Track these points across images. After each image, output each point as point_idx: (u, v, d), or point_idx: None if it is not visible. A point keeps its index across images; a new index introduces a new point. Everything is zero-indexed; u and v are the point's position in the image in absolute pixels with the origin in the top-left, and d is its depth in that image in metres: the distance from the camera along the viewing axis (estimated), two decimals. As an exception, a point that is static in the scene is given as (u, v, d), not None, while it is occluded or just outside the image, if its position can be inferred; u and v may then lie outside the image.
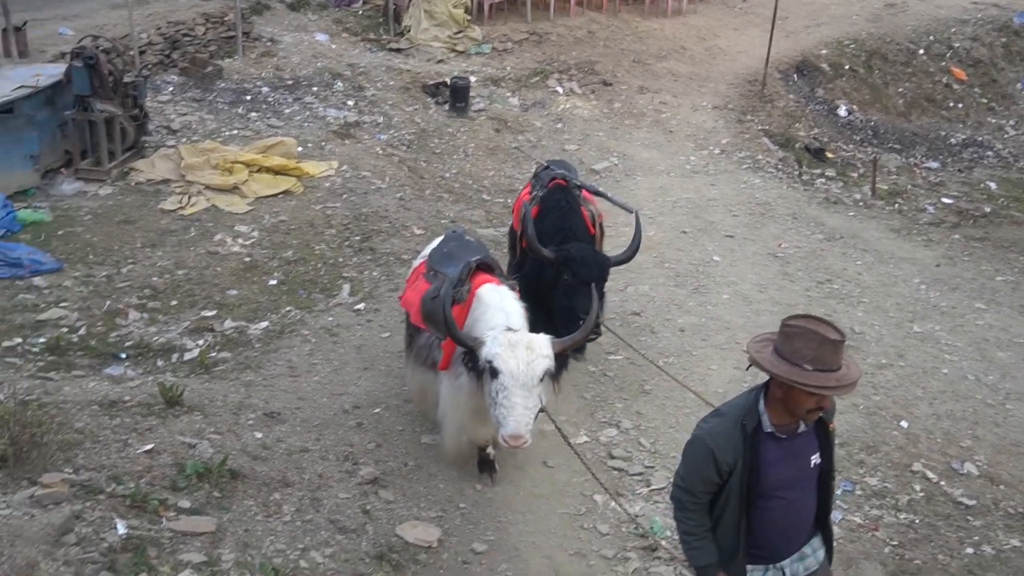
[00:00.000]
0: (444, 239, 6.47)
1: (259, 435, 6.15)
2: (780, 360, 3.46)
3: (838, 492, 6.33)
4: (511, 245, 7.92)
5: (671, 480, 6.34)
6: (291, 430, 6.34)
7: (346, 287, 8.59)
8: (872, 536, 5.95)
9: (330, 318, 8.04)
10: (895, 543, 5.89)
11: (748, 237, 10.67)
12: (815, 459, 3.75)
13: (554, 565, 5.50)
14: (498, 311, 5.27)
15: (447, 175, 11.33)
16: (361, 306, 8.25)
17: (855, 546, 5.85)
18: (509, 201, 10.53)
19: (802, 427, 3.68)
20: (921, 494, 6.42)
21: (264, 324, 7.89)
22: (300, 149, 11.04)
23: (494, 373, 4.84)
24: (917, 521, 6.14)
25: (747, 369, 3.84)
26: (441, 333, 5.40)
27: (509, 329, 5.05)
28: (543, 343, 4.97)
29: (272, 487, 5.59)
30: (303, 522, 5.34)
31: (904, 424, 7.21)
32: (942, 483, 6.55)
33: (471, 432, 5.76)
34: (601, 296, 6.42)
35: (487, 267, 5.80)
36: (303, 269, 8.84)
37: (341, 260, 9.06)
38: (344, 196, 10.25)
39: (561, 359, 5.10)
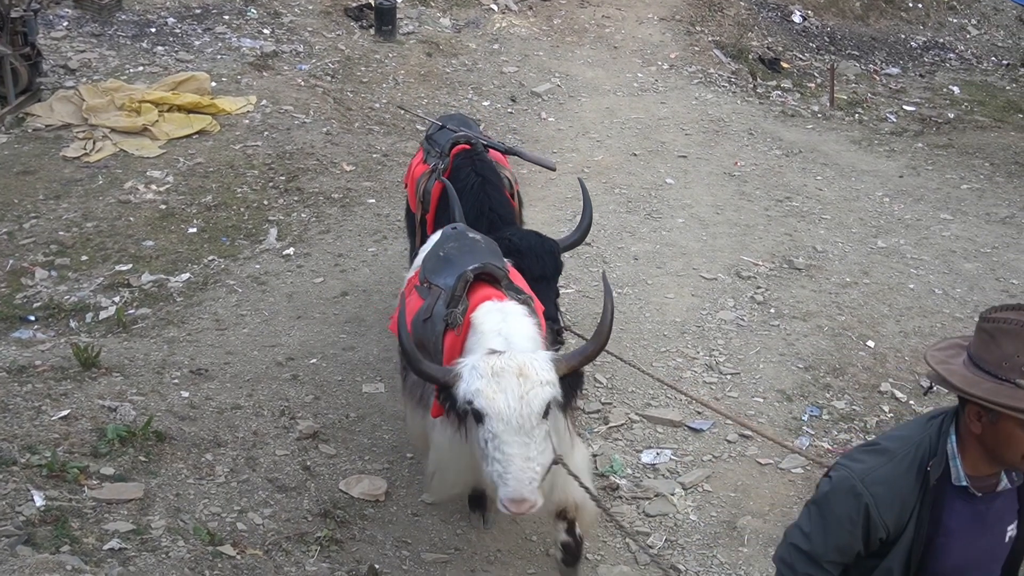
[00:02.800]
0: (441, 238, 5.13)
1: (186, 394, 6.08)
2: (981, 375, 2.54)
3: (804, 417, 6.45)
4: (410, 232, 6.82)
5: (630, 417, 6.53)
6: (220, 387, 6.28)
7: (272, 231, 8.48)
8: (841, 461, 6.07)
9: (257, 266, 7.94)
10: (864, 466, 6.02)
11: (702, 156, 10.70)
12: (1011, 530, 2.79)
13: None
14: (494, 337, 4.06)
15: (377, 105, 11.17)
16: (290, 251, 8.16)
17: (824, 471, 5.96)
18: (459, 112, 10.43)
19: (1003, 482, 2.70)
20: (891, 415, 6.56)
21: (185, 276, 7.77)
22: (214, 84, 10.79)
23: (478, 417, 3.72)
24: (887, 443, 6.27)
25: (925, 394, 3.13)
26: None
27: (491, 352, 3.85)
28: (541, 365, 3.78)
29: (203, 448, 5.54)
30: (239, 483, 5.32)
31: (871, 344, 7.34)
32: (911, 402, 6.69)
33: (469, 483, 4.74)
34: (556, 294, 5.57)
35: (490, 278, 4.52)
36: (225, 214, 8.69)
37: (266, 203, 8.93)
38: (265, 133, 10.07)
39: (572, 382, 3.96)
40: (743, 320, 7.54)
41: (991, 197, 10.31)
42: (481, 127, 10.62)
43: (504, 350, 3.88)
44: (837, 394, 6.75)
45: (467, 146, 6.25)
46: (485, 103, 11.41)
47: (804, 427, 6.38)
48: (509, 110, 11.37)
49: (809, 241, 8.91)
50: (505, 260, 4.88)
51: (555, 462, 3.89)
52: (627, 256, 8.37)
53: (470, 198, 5.83)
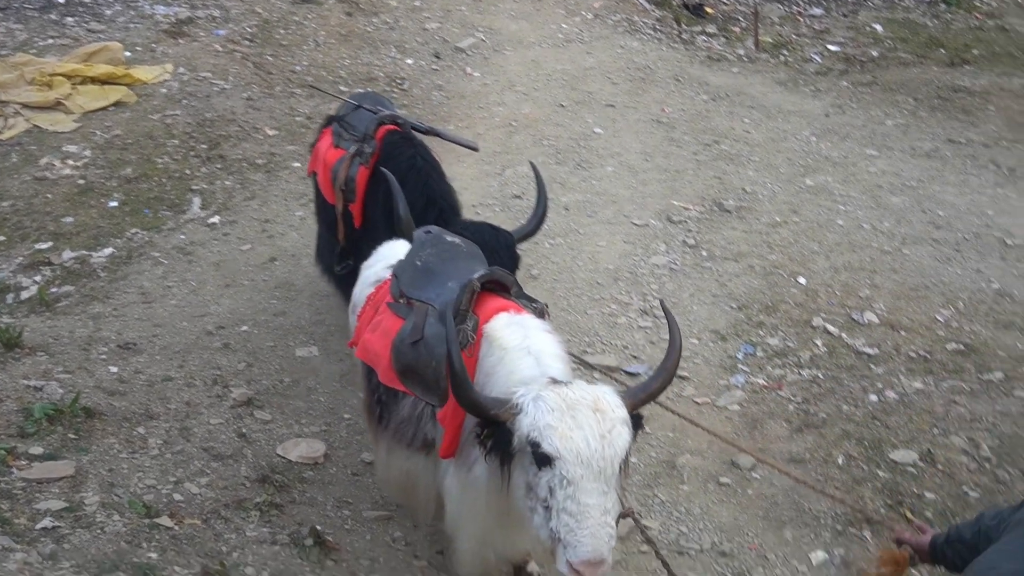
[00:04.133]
0: (417, 245, 4.46)
1: (114, 369, 6.00)
2: None
3: (739, 355, 6.56)
4: (327, 226, 6.35)
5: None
6: (150, 360, 6.20)
7: (196, 201, 8.35)
8: (776, 395, 6.20)
9: (182, 236, 7.82)
10: (799, 400, 6.15)
11: (629, 105, 10.72)
12: None
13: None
14: (522, 356, 3.55)
15: (298, 68, 10.98)
16: (215, 220, 8.05)
17: (759, 407, 6.09)
18: (370, 90, 10.34)
19: None
20: (823, 349, 6.69)
21: (108, 251, 7.63)
22: (128, 54, 10.54)
23: (543, 460, 3.10)
24: (820, 376, 6.41)
25: None
26: (435, 397, 3.82)
27: (554, 381, 3.32)
28: (614, 400, 3.24)
29: (135, 421, 5.49)
30: (173, 454, 5.27)
31: (802, 280, 7.46)
32: (843, 335, 6.83)
33: (502, 546, 3.98)
34: None
35: (498, 285, 3.99)
36: (146, 186, 8.53)
37: (188, 172, 8.78)
38: (184, 102, 9.87)
39: (636, 420, 3.35)
40: (675, 264, 7.62)
41: (915, 132, 10.48)
42: (406, 85, 10.59)
43: (567, 379, 3.37)
44: (770, 331, 6.86)
45: (395, 127, 5.89)
46: (408, 61, 11.28)
47: (739, 365, 6.48)
48: (433, 67, 11.25)
49: (738, 183, 9.00)
50: None
51: (624, 515, 3.41)
52: (558, 207, 8.37)
53: (415, 185, 5.39)
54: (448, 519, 4.04)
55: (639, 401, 3.37)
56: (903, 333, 6.86)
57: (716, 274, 7.51)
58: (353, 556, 4.78)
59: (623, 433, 3.14)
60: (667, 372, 3.48)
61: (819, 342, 6.76)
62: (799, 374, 6.44)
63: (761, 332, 6.85)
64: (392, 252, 4.68)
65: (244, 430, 5.61)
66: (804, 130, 10.31)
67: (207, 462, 5.27)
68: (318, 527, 4.85)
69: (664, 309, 3.79)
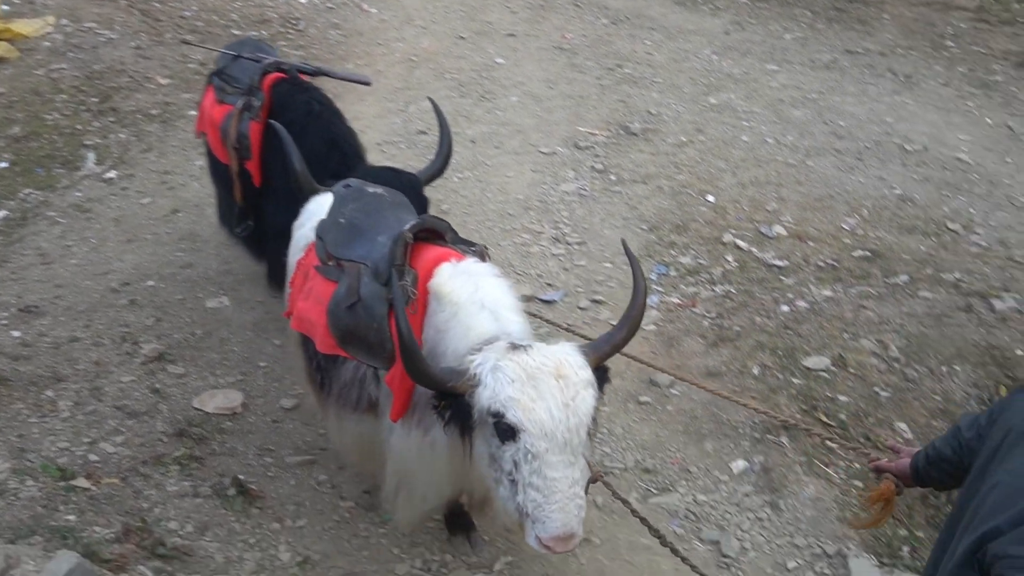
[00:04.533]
0: (337, 201, 4.12)
1: (16, 334, 5.82)
2: None
3: (652, 276, 6.61)
4: (221, 185, 5.96)
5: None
6: (54, 322, 6.02)
7: (90, 156, 8.07)
8: (690, 313, 6.27)
9: (78, 193, 7.56)
10: (713, 315, 6.24)
11: (530, 33, 10.64)
12: None
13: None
14: (477, 310, 3.35)
15: (187, 14, 10.62)
16: (112, 174, 7.79)
17: (675, 325, 6.16)
18: (266, 33, 10.08)
19: None
20: (735, 264, 6.78)
21: (1, 213, 7.35)
22: (6, 8, 10.08)
23: (506, 434, 2.96)
24: (733, 290, 6.50)
25: None
26: (380, 360, 3.62)
27: (513, 346, 3.10)
28: (576, 360, 3.06)
29: (42, 385, 5.34)
30: (85, 415, 5.15)
31: (711, 198, 7.54)
32: (753, 249, 6.93)
33: (452, 495, 4.02)
34: None
35: (432, 233, 3.77)
36: (36, 144, 8.21)
37: (80, 127, 8.47)
38: (70, 55, 9.49)
39: (600, 377, 3.16)
40: (585, 190, 7.63)
41: (814, 44, 10.60)
42: (301, 25, 10.34)
43: (526, 343, 3.14)
44: (682, 250, 6.93)
45: (281, 74, 5.50)
46: (303, 0, 11.01)
47: (653, 286, 6.54)
48: (328, 5, 10.99)
49: (643, 105, 9.02)
50: None
51: (593, 480, 3.20)
52: (464, 140, 8.30)
53: (315, 132, 5.10)
54: (390, 476, 3.87)
55: (603, 355, 3.20)
56: (811, 243, 6.99)
57: (626, 197, 7.54)
58: (278, 502, 4.75)
59: (587, 398, 2.98)
60: (632, 320, 3.30)
61: (730, 258, 6.85)
62: (712, 290, 6.52)
63: (673, 252, 6.91)
64: (321, 208, 4.29)
65: (158, 385, 5.50)
66: (705, 49, 10.36)
67: (121, 420, 5.16)
68: (240, 476, 4.80)
69: (628, 254, 3.59)
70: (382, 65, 9.64)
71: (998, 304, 6.16)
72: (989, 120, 9.22)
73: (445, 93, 9.12)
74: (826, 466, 5.07)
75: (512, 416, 2.89)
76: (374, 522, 4.65)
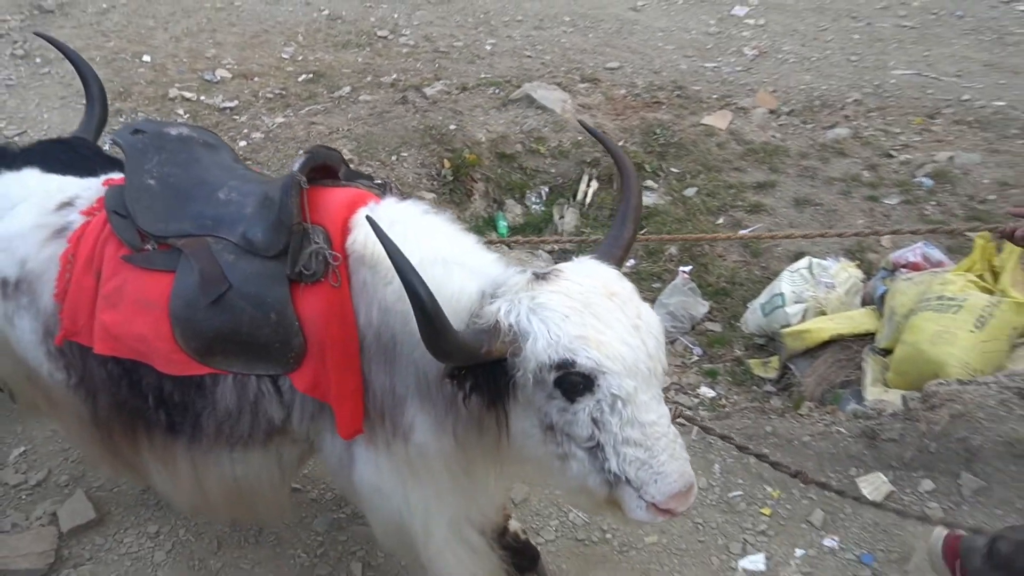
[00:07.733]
0: (134, 157, 2.81)
1: None
2: None
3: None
4: None
5: None
6: None
7: None
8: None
9: None
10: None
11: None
12: None
13: None
14: (443, 271, 2.35)
15: None
16: None
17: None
18: None
19: None
20: (187, 116, 6.83)
21: None
22: None
23: (578, 386, 2.14)
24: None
25: None
26: (276, 364, 2.56)
27: (536, 276, 2.25)
28: (612, 272, 2.29)
29: None
30: None
31: (147, 58, 7.48)
32: (202, 98, 7.03)
33: (480, 515, 2.83)
34: None
35: (324, 171, 2.71)
36: None
37: None
38: None
39: None
40: (11, 79, 7.21)
41: None
42: None
43: (547, 268, 2.29)
44: (131, 115, 6.84)
45: None
46: None
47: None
48: None
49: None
50: None
51: (675, 417, 2.41)
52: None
53: None
54: (397, 522, 2.72)
55: (619, 261, 2.47)
56: (256, 79, 7.21)
57: (57, 77, 7.24)
58: None
59: (651, 312, 2.27)
60: (635, 210, 2.62)
61: (181, 111, 6.89)
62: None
63: (121, 119, 6.80)
64: (26, 185, 3.01)
65: None
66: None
67: None
68: None
69: (599, 137, 2.94)
70: None
71: (429, 91, 6.80)
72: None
73: None
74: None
75: (585, 359, 2.12)
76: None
